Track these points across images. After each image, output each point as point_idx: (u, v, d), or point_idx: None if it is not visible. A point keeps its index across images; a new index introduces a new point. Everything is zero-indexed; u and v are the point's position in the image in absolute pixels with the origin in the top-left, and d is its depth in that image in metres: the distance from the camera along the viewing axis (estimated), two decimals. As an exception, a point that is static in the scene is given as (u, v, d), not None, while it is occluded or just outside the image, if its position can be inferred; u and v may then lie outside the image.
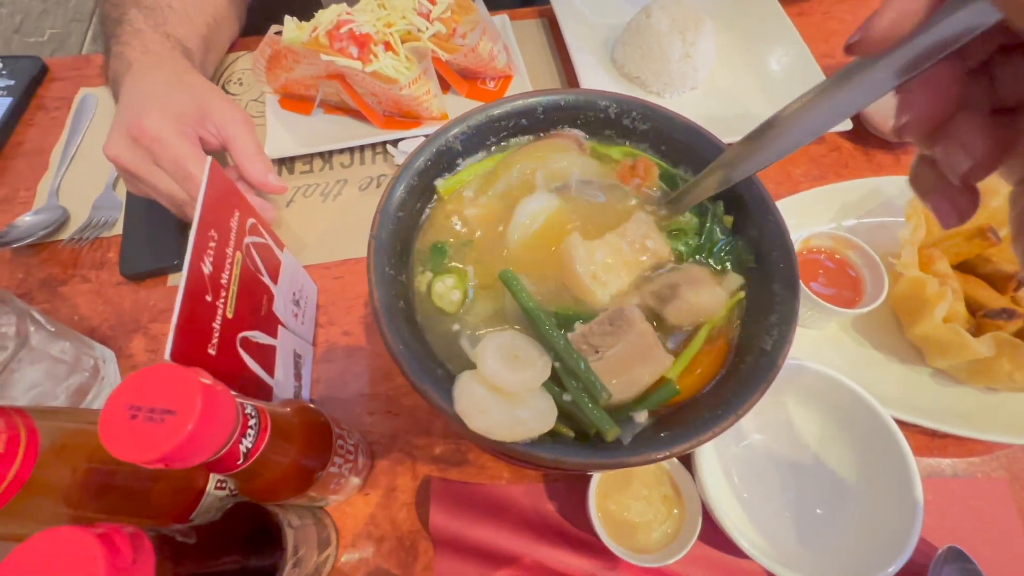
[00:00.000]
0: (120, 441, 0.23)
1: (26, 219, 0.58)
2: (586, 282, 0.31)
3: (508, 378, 0.26)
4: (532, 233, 0.35)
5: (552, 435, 0.27)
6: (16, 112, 0.68)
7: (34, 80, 0.70)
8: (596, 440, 0.27)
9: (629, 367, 0.28)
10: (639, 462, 0.25)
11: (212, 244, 0.35)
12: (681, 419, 0.28)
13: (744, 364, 0.29)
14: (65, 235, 0.59)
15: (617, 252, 0.33)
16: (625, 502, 0.43)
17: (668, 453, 0.26)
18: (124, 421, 0.23)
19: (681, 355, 0.30)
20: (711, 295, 0.31)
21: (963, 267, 0.52)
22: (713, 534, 0.41)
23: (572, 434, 0.28)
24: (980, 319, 0.47)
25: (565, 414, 0.28)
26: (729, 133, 0.63)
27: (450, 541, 0.44)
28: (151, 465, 0.23)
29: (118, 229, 0.59)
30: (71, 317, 0.55)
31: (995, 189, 0.51)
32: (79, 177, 0.63)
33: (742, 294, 0.33)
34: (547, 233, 0.35)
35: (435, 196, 0.36)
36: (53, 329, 0.45)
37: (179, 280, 0.56)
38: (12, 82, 0.69)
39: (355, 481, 0.44)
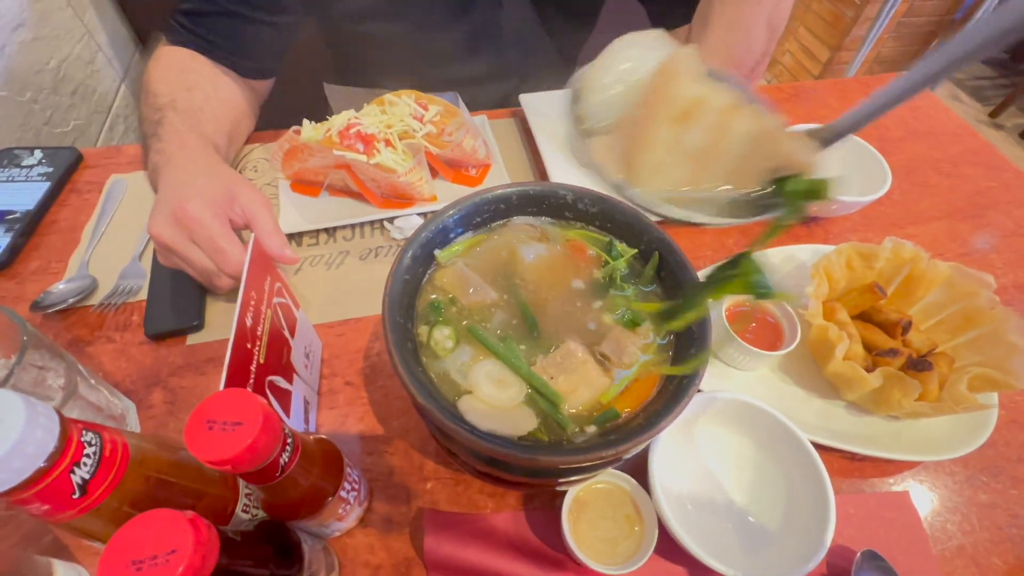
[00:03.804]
0: (201, 445, 0.30)
1: (59, 287, 0.66)
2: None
3: (499, 397, 0.35)
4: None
5: (532, 441, 0.35)
6: (52, 195, 0.77)
7: (70, 167, 0.80)
8: (559, 445, 0.36)
9: (575, 387, 0.38)
10: (593, 458, 0.34)
11: (252, 302, 0.44)
12: (624, 428, 0.37)
13: (672, 386, 0.38)
14: (94, 301, 0.66)
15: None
16: (593, 521, 0.50)
17: (615, 452, 0.34)
18: (204, 431, 0.31)
19: (617, 383, 0.40)
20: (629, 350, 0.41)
21: (862, 316, 0.64)
22: (669, 546, 0.48)
23: (547, 438, 0.36)
24: (874, 358, 0.58)
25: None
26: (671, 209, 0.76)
27: (442, 565, 0.50)
28: (221, 466, 0.31)
29: (142, 295, 0.67)
30: (96, 373, 0.60)
31: (877, 254, 0.64)
32: (108, 250, 0.71)
33: (671, 339, 0.43)
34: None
35: (434, 263, 0.46)
36: (92, 381, 0.52)
37: (198, 339, 0.64)
38: (51, 169, 0.79)
39: (358, 510, 0.50)
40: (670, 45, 0.29)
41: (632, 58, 0.30)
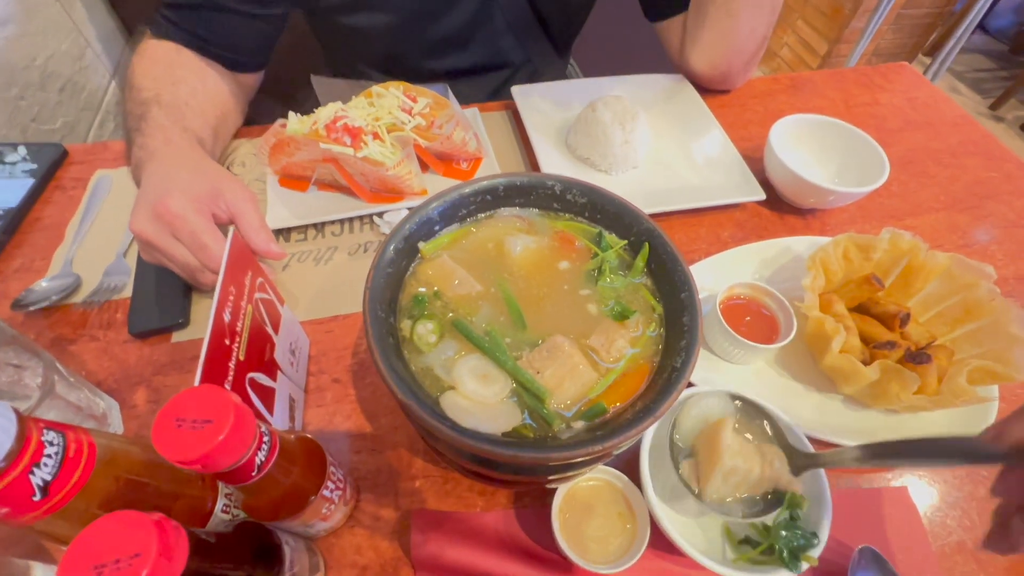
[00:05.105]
0: (168, 444, 0.29)
1: (42, 284, 0.65)
2: None
3: (483, 393, 0.34)
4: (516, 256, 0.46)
5: (517, 438, 0.34)
6: (36, 192, 0.75)
7: (55, 163, 0.79)
8: (544, 442, 0.34)
9: (562, 382, 0.36)
10: (579, 455, 0.32)
11: (231, 298, 0.43)
12: (612, 423, 0.36)
13: (661, 380, 0.37)
14: (78, 299, 0.65)
15: None
16: (585, 519, 0.49)
17: (602, 448, 0.33)
18: (172, 429, 0.29)
19: (605, 377, 0.39)
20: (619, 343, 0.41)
21: (860, 308, 0.62)
22: (662, 544, 0.47)
23: (532, 435, 0.35)
24: (871, 350, 0.57)
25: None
26: (666, 203, 0.75)
27: (430, 565, 0.49)
28: (190, 465, 0.29)
29: (126, 293, 0.66)
30: (79, 372, 0.59)
31: (875, 245, 0.62)
32: (92, 248, 0.70)
33: (661, 331, 0.42)
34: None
35: (418, 256, 0.45)
36: (72, 380, 0.50)
37: (183, 337, 0.62)
38: (35, 166, 0.77)
39: (343, 510, 0.48)
40: (730, 405, 0.49)
41: (706, 408, 0.49)
